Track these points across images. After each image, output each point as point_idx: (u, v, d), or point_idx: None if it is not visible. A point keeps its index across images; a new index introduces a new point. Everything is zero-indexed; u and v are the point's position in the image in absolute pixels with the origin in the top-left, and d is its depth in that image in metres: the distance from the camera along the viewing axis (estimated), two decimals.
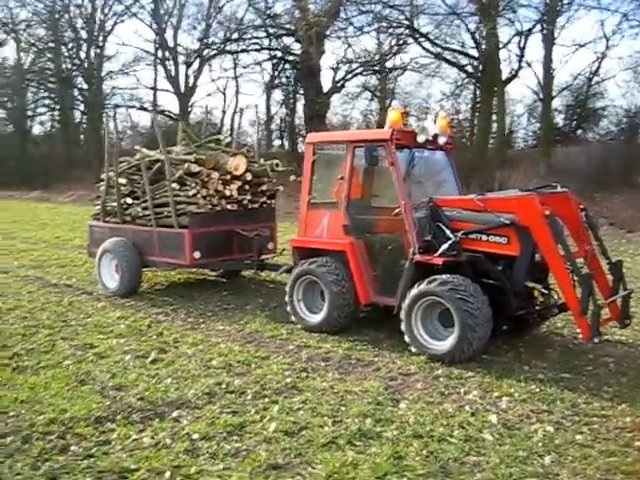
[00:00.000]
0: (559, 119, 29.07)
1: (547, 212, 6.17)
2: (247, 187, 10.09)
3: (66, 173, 33.94)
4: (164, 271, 10.92)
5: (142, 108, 35.25)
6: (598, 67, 25.18)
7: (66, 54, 35.84)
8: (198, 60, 32.03)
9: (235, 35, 29.61)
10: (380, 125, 23.97)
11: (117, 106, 36.16)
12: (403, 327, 6.66)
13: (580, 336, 6.41)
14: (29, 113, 38.79)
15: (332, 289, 7.31)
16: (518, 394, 5.59)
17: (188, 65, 32.27)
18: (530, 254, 6.43)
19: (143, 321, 8.09)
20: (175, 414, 5.20)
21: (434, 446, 4.58)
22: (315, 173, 7.86)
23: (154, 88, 35.26)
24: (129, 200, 9.92)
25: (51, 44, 34.90)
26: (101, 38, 34.72)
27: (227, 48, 30.35)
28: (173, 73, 32.27)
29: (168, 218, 9.34)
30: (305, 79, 27.45)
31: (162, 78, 33.45)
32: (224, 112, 35.24)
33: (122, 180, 9.99)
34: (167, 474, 4.23)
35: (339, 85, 28.37)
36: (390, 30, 25.88)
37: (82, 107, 37.30)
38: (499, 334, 6.71)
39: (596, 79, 26.26)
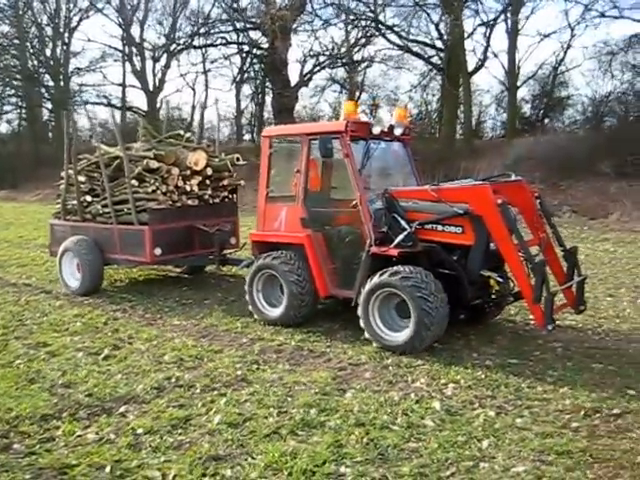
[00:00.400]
0: (526, 108, 29.46)
1: (499, 201, 6.17)
2: (208, 182, 10.08)
3: (34, 172, 33.42)
4: (125, 269, 10.82)
5: (110, 105, 34.82)
6: (563, 57, 25.58)
7: (31, 51, 35.27)
8: (165, 55, 31.79)
9: (202, 30, 29.49)
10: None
11: (85, 103, 35.81)
12: (361, 319, 6.68)
13: (533, 322, 6.53)
14: None
15: (290, 283, 7.29)
16: (464, 381, 5.68)
17: (155, 61, 32.02)
18: (485, 243, 6.46)
19: (100, 318, 8.05)
20: (122, 409, 5.20)
21: (375, 434, 4.64)
22: (273, 167, 7.84)
23: (122, 85, 34.94)
24: (89, 198, 9.81)
25: (16, 41, 34.27)
26: (67, 34, 34.24)
27: (194, 43, 30.16)
28: (140, 69, 31.92)
29: (128, 215, 9.26)
30: (272, 73, 27.40)
31: (130, 74, 33.07)
32: (194, 107, 35.06)
33: (81, 178, 9.89)
34: (107, 469, 4.24)
35: (306, 78, 28.35)
36: (356, 22, 25.97)
37: (49, 105, 36.76)
38: (455, 323, 6.77)
39: (561, 68, 26.68)
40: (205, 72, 33.53)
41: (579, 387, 5.47)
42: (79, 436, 4.74)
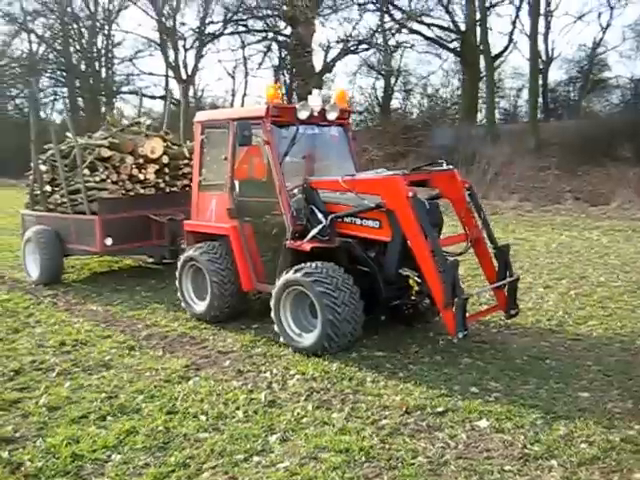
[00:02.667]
0: (563, 90, 28.36)
1: (410, 194, 5.68)
2: (167, 170, 10.13)
3: None
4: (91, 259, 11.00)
5: (144, 95, 35.61)
6: (602, 37, 24.41)
7: (75, 43, 36.45)
8: (198, 45, 32.20)
9: (235, 17, 29.71)
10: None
11: (130, 93, 36.74)
12: (273, 317, 6.33)
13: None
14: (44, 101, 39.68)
15: (212, 274, 7.01)
16: (313, 372, 5.59)
17: (188, 50, 32.51)
18: (402, 239, 5.90)
19: (24, 303, 8.30)
20: None
21: (175, 422, 4.66)
22: (206, 153, 7.49)
23: (166, 75, 35.53)
24: (49, 188, 9.86)
25: (60, 33, 35.52)
26: (107, 26, 35.21)
27: (226, 31, 30.44)
28: (173, 58, 32.53)
29: (82, 205, 9.21)
30: (297, 59, 27.29)
31: (164, 64, 33.69)
32: (233, 95, 35.33)
33: (43, 167, 9.93)
34: None
35: (331, 64, 28.14)
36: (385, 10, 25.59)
37: (92, 95, 37.97)
38: (378, 325, 6.52)
39: (599, 50, 25.50)
40: (244, 60, 33.70)
41: (425, 383, 5.31)
42: None
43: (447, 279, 5.46)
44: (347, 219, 6.27)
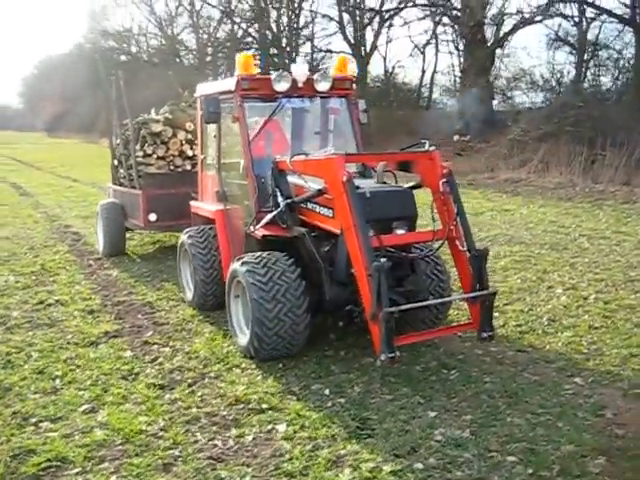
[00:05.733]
0: None
1: (344, 177, 4.75)
2: None
3: None
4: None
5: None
6: None
7: (270, 23, 38.45)
8: (379, 20, 32.13)
9: None
10: None
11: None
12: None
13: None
14: None
15: (195, 261, 6.68)
16: (201, 353, 5.63)
17: (366, 26, 32.61)
18: None
19: (50, 263, 9.14)
20: None
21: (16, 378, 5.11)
22: (207, 130, 6.97)
23: (354, 54, 35.93)
24: (116, 162, 10.37)
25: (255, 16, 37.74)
26: (296, 3, 36.48)
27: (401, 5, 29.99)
28: (352, 35, 32.89)
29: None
30: (467, 33, 26.02)
31: (343, 41, 34.13)
32: (423, 72, 34.58)
33: (117, 142, 10.24)
34: None
35: (502, 38, 26.33)
36: None
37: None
38: (336, 330, 5.85)
39: None
40: (435, 35, 32.71)
41: (282, 378, 5.06)
42: None
43: (372, 285, 4.43)
44: (309, 205, 5.50)
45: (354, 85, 6.76)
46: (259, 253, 5.48)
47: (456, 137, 24.14)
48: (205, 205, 7.04)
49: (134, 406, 4.61)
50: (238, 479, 3.68)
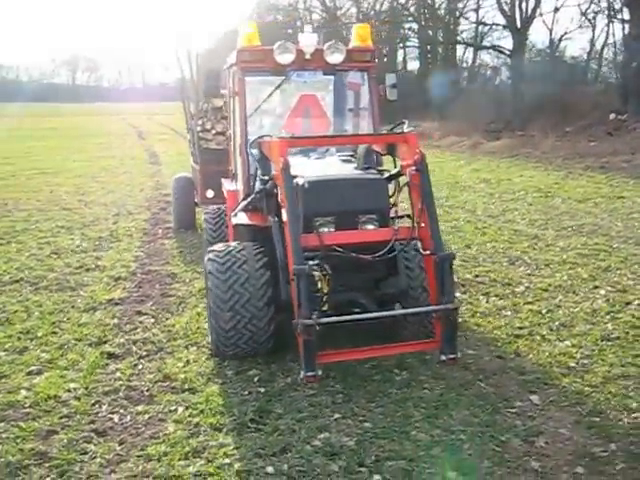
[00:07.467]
0: None
1: (280, 165, 4.36)
2: None
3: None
4: None
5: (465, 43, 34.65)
6: None
7: None
8: None
9: None
10: None
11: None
12: None
13: None
14: None
15: (207, 238, 6.74)
16: (173, 327, 5.74)
17: None
18: None
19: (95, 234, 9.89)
20: None
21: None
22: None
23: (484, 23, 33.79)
24: (188, 137, 10.52)
25: None
26: None
27: None
28: (508, 5, 30.77)
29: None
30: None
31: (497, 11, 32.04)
32: (592, 44, 31.61)
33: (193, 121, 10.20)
34: None
35: None
36: None
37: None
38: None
39: None
40: (609, 6, 29.59)
41: (224, 359, 4.96)
42: None
43: (297, 292, 3.96)
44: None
45: (376, 58, 6.19)
46: (232, 242, 5.25)
47: (612, 115, 22.00)
48: (226, 183, 7.00)
49: (74, 372, 4.81)
50: (101, 455, 3.71)
